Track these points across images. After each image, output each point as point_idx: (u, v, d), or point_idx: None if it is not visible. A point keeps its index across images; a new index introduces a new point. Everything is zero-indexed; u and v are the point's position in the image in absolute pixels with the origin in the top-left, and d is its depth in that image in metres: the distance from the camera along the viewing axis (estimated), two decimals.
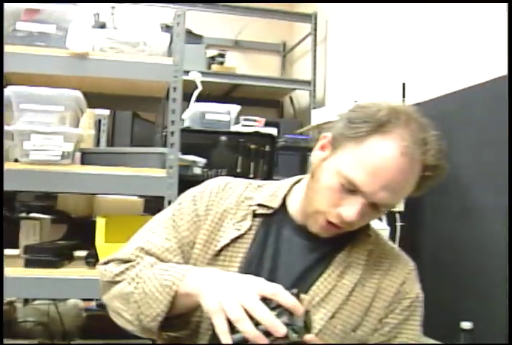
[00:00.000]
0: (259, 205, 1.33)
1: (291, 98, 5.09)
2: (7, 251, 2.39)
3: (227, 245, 1.28)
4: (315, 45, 4.67)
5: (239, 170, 2.86)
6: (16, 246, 2.41)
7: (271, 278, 1.18)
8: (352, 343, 1.26)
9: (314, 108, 4.18)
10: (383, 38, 3.71)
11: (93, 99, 2.35)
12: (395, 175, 1.15)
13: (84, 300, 3.13)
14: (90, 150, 2.24)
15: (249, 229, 1.30)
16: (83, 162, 2.16)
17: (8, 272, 2.02)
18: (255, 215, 1.32)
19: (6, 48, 2.10)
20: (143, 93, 2.58)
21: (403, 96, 3.21)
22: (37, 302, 3.17)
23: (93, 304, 3.19)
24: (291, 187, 1.37)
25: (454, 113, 2.90)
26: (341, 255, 1.30)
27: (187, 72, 3.32)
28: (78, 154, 2.18)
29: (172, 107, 2.12)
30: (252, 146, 2.88)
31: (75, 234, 2.62)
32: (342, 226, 1.23)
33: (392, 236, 3.07)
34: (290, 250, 1.30)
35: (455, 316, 2.37)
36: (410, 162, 1.15)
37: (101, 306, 3.09)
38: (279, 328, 0.95)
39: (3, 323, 2.71)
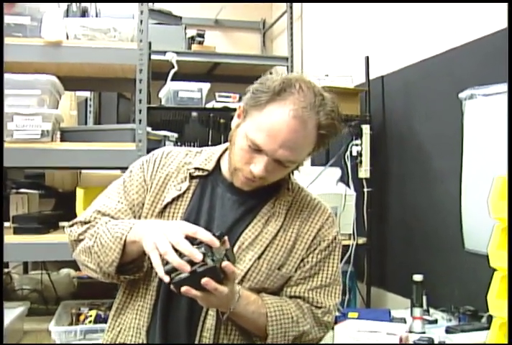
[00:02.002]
0: (196, 168, 1.59)
1: (271, 74, 5.28)
2: None
3: (170, 203, 1.55)
4: (291, 23, 4.87)
5: (210, 143, 3.12)
6: (7, 219, 2.69)
7: (207, 229, 1.46)
8: (277, 279, 1.53)
9: None
10: (351, 15, 3.92)
11: (73, 82, 2.62)
12: (289, 135, 1.39)
13: (76, 269, 3.42)
14: (68, 129, 2.51)
15: (188, 189, 1.56)
16: (63, 140, 2.43)
17: None
18: (192, 177, 1.58)
19: None
20: (118, 75, 2.82)
21: (367, 69, 3.44)
22: (31, 272, 3.46)
23: (84, 273, 3.46)
24: (224, 152, 1.63)
25: (416, 84, 3.13)
26: (266, 206, 1.56)
27: (164, 53, 3.57)
28: (58, 133, 2.45)
29: (139, 87, 2.37)
30: (222, 121, 3.13)
31: (62, 207, 2.90)
32: (256, 180, 1.48)
33: (360, 201, 3.34)
34: (223, 205, 1.56)
35: (413, 271, 2.64)
36: (301, 123, 1.39)
37: None
38: (196, 255, 1.22)
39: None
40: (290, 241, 1.54)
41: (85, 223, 1.57)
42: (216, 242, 1.25)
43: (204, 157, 1.62)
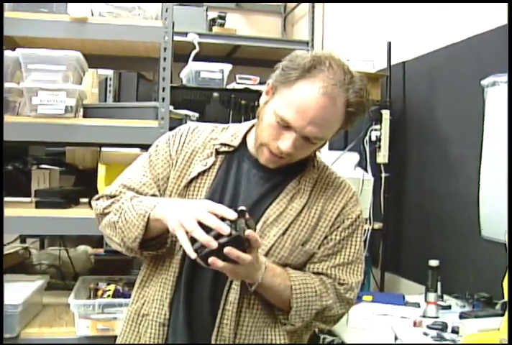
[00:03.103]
0: (223, 144, 1.62)
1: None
2: (21, 199, 2.72)
3: (195, 178, 1.58)
4: (313, 7, 4.87)
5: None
6: (28, 194, 2.73)
7: (233, 203, 1.52)
8: (300, 255, 1.56)
9: None
10: None
11: (96, 60, 2.64)
12: (319, 112, 1.41)
13: (93, 246, 3.47)
14: (91, 105, 2.53)
15: (214, 164, 1.59)
16: (85, 116, 2.46)
17: (21, 212, 2.34)
18: (218, 152, 1.61)
19: (15, 14, 2.38)
20: (141, 54, 2.84)
21: (389, 54, 3.44)
22: (49, 248, 3.51)
23: (101, 250, 3.52)
24: (250, 128, 1.65)
25: (439, 70, 3.12)
26: (292, 183, 1.58)
27: (185, 34, 3.58)
28: (81, 110, 2.48)
29: (163, 65, 2.39)
30: (243, 102, 3.16)
31: (82, 184, 2.94)
32: (283, 157, 1.50)
33: (377, 186, 3.35)
34: (248, 180, 1.58)
35: (428, 257, 2.65)
36: (330, 100, 1.41)
37: (108, 252, 3.43)
38: (223, 228, 1.25)
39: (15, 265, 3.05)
40: (314, 218, 1.57)
41: (111, 197, 1.60)
42: (236, 217, 1.28)
43: (230, 133, 1.64)
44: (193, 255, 1.27)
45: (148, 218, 1.44)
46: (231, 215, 1.28)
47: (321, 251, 1.58)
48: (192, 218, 1.28)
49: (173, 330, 1.54)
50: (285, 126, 1.45)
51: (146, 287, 1.60)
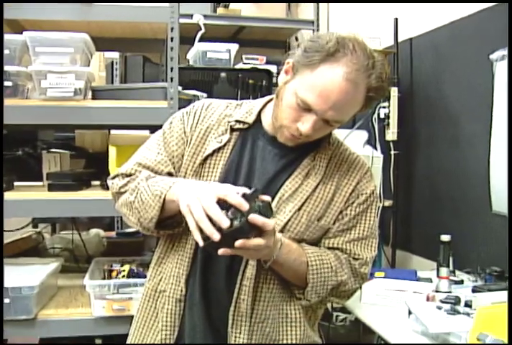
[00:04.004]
0: (237, 121, 1.63)
1: (296, 38, 5.27)
2: (32, 183, 2.74)
3: (211, 155, 1.59)
4: None
5: None
6: (40, 178, 2.75)
7: (248, 180, 1.55)
8: (316, 230, 1.58)
9: None
10: None
11: (102, 42, 2.64)
12: (341, 97, 1.42)
13: (105, 230, 3.50)
14: (99, 87, 2.54)
15: (228, 141, 1.61)
16: (94, 98, 2.47)
17: (34, 195, 2.36)
18: (233, 129, 1.62)
19: None
20: (147, 36, 2.85)
21: (396, 31, 3.43)
22: (61, 232, 3.55)
23: (112, 233, 3.56)
24: (265, 105, 1.66)
25: (446, 46, 3.11)
26: (307, 160, 1.60)
27: (191, 16, 3.58)
28: (89, 92, 2.49)
29: (171, 45, 2.39)
30: (250, 81, 3.16)
31: (92, 167, 2.95)
32: (302, 138, 1.52)
33: (386, 164, 3.36)
34: (263, 157, 1.60)
35: (439, 233, 2.64)
36: (353, 85, 1.41)
37: (120, 235, 3.46)
38: (223, 221, 1.26)
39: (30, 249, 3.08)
40: (329, 193, 1.59)
41: (127, 175, 1.62)
42: (244, 205, 1.28)
43: (245, 110, 1.65)
44: (201, 243, 1.29)
45: (164, 199, 1.46)
46: (241, 205, 1.28)
47: (336, 227, 1.60)
48: (200, 206, 1.29)
49: (190, 306, 1.57)
50: (306, 108, 1.46)
51: (163, 264, 1.63)
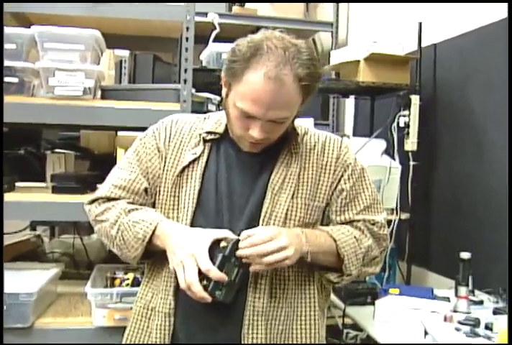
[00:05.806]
0: (208, 132, 1.71)
1: (314, 40, 5.26)
2: (35, 184, 2.72)
3: (187, 166, 1.67)
4: None
5: None
6: (42, 179, 2.74)
7: (229, 187, 1.65)
8: (314, 211, 1.67)
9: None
10: None
11: (113, 40, 2.62)
12: (271, 97, 1.47)
13: None
14: (110, 87, 2.52)
15: (203, 152, 1.69)
16: (103, 98, 2.45)
17: (37, 197, 2.34)
18: (206, 140, 1.70)
19: None
20: (160, 34, 2.84)
21: (419, 36, 3.40)
22: (62, 236, 3.52)
23: None
24: None
25: (472, 53, 3.08)
26: (283, 152, 1.68)
27: (205, 14, 3.55)
28: (99, 92, 2.47)
29: (185, 45, 2.37)
30: None
31: (97, 169, 2.93)
32: (262, 142, 1.60)
33: (405, 175, 3.33)
34: (240, 163, 1.68)
35: (458, 250, 2.61)
36: (277, 82, 1.45)
37: None
38: (222, 278, 1.46)
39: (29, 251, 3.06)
40: (314, 174, 1.69)
41: (104, 199, 1.71)
42: (224, 277, 1.46)
43: (213, 121, 1.74)
44: (208, 299, 1.46)
45: (146, 242, 1.57)
46: (222, 277, 1.46)
47: (339, 203, 1.70)
48: (194, 265, 1.45)
49: (181, 321, 1.62)
50: (248, 116, 1.53)
51: (153, 281, 1.70)
